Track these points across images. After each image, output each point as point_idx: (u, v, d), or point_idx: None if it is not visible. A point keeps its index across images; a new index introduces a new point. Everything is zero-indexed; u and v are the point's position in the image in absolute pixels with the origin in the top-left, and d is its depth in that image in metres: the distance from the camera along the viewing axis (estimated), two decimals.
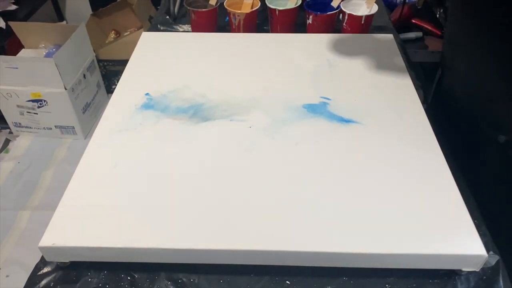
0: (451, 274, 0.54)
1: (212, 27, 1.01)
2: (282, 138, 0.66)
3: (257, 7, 0.98)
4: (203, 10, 0.98)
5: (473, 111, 0.67)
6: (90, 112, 1.79)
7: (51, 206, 0.62)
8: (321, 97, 0.74)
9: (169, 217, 0.55)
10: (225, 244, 0.52)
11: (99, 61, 1.86)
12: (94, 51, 1.80)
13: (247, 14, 0.95)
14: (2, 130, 1.80)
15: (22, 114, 1.68)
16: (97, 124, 0.70)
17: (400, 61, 0.82)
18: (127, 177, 0.60)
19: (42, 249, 0.53)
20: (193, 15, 0.98)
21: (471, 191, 0.62)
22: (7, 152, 1.73)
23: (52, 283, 0.54)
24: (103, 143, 0.66)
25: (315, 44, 0.89)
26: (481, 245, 0.51)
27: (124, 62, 0.84)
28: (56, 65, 1.50)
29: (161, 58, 0.85)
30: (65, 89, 1.58)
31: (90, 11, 2.06)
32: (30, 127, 1.74)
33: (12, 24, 1.71)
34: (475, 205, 0.60)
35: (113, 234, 0.53)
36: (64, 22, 2.22)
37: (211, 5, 0.99)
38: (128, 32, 2.00)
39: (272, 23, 0.99)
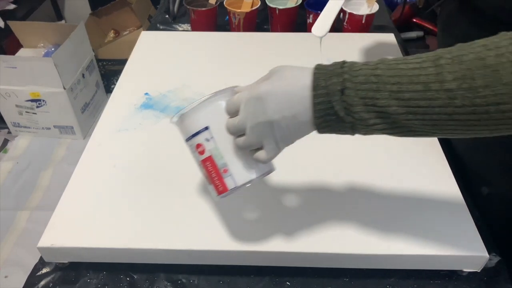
0: (452, 275, 0.54)
1: (212, 26, 1.00)
2: None
3: (257, 6, 0.97)
4: (203, 9, 0.97)
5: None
6: (89, 112, 1.79)
7: (50, 206, 0.61)
8: None
9: (168, 217, 0.55)
10: (225, 245, 0.52)
11: (98, 60, 1.86)
12: (93, 50, 1.79)
13: (247, 13, 0.95)
14: (1, 130, 1.80)
15: (21, 114, 1.68)
16: (96, 124, 0.69)
17: None
18: (127, 177, 0.60)
19: (41, 249, 0.53)
20: (192, 14, 0.98)
21: (472, 191, 0.62)
22: (5, 152, 1.72)
23: (51, 284, 0.54)
24: (102, 143, 0.66)
25: (315, 44, 0.89)
26: (483, 245, 0.51)
27: (123, 62, 0.84)
28: (55, 65, 1.49)
29: (160, 58, 0.84)
30: (64, 88, 1.57)
31: (89, 10, 2.05)
32: (29, 127, 1.73)
33: (11, 23, 1.71)
34: (476, 205, 0.60)
35: (112, 234, 0.53)
36: (63, 22, 2.22)
37: (211, 4, 0.99)
38: (128, 32, 2.00)
39: (272, 22, 0.98)
